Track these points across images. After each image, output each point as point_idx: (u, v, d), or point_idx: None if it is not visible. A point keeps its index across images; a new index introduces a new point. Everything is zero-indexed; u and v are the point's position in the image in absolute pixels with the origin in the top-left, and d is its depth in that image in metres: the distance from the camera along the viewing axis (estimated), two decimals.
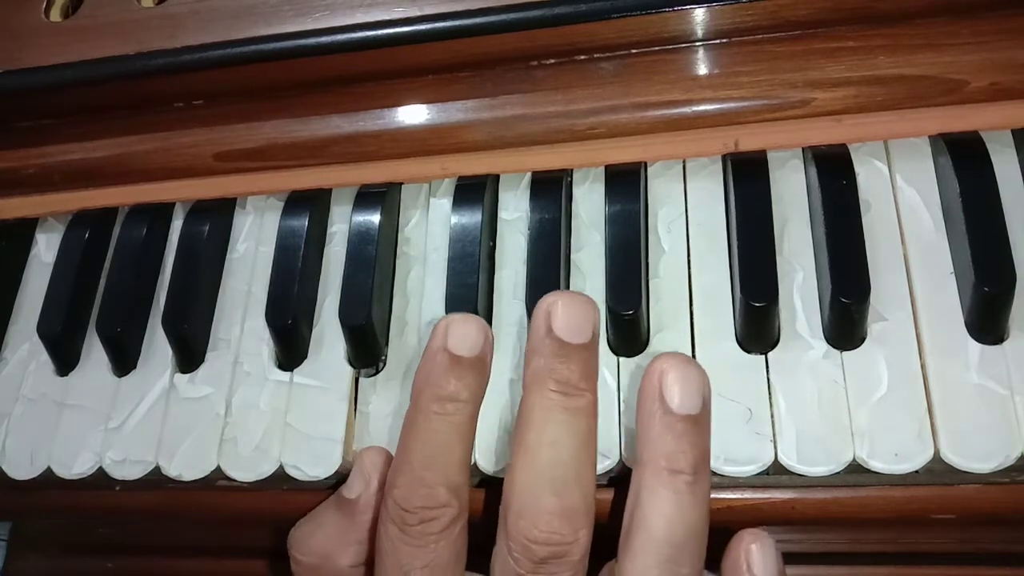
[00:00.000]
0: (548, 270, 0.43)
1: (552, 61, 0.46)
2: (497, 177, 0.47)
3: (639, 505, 0.30)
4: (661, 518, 0.29)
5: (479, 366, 0.34)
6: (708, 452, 0.31)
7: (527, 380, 0.32)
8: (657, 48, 0.45)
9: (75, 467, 0.46)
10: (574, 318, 0.32)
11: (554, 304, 0.32)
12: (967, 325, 0.39)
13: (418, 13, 0.45)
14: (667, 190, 0.45)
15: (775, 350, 0.40)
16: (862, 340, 0.39)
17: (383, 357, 0.45)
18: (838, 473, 0.37)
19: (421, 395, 0.33)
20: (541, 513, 0.30)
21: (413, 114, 0.47)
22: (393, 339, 0.45)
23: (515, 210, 0.46)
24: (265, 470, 0.43)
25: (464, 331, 0.33)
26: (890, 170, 0.43)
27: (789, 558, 0.49)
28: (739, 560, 0.32)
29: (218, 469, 0.44)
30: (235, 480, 0.43)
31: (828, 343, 0.40)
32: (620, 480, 0.39)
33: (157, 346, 0.48)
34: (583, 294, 0.34)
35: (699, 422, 0.31)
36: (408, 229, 0.48)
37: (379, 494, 0.34)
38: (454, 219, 0.46)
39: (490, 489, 0.41)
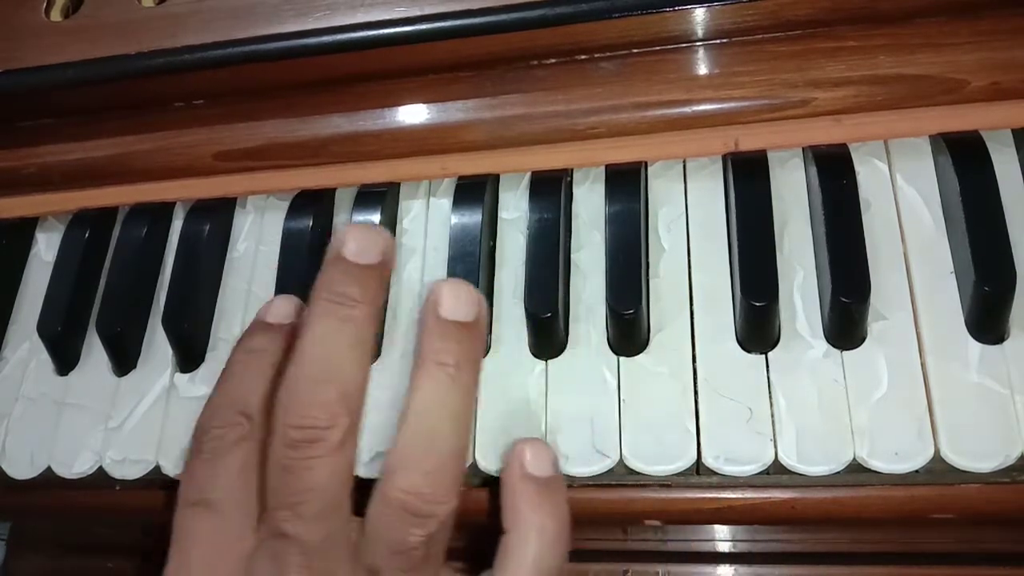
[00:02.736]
0: (548, 270, 0.43)
1: (553, 61, 0.46)
2: (497, 177, 0.47)
3: (408, 396, 0.32)
4: (422, 401, 0.32)
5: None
6: (476, 355, 0.33)
7: (313, 297, 0.34)
8: (658, 48, 0.45)
9: (75, 467, 0.46)
10: (362, 243, 0.33)
11: (346, 232, 0.34)
12: (967, 324, 0.39)
13: (418, 13, 0.45)
14: (667, 190, 0.45)
15: (775, 349, 0.40)
16: (862, 339, 0.39)
17: (379, 352, 0.45)
18: (838, 472, 0.37)
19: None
20: (301, 403, 0.31)
21: (413, 114, 0.47)
22: (388, 330, 0.45)
23: (515, 210, 0.46)
24: None
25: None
26: (890, 169, 0.43)
27: (789, 558, 0.49)
28: (512, 463, 0.34)
29: None
30: None
31: (828, 342, 0.40)
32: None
33: (157, 346, 0.48)
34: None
35: (469, 328, 0.33)
36: (407, 222, 0.48)
37: None
38: (454, 219, 0.46)
39: (491, 490, 0.41)
